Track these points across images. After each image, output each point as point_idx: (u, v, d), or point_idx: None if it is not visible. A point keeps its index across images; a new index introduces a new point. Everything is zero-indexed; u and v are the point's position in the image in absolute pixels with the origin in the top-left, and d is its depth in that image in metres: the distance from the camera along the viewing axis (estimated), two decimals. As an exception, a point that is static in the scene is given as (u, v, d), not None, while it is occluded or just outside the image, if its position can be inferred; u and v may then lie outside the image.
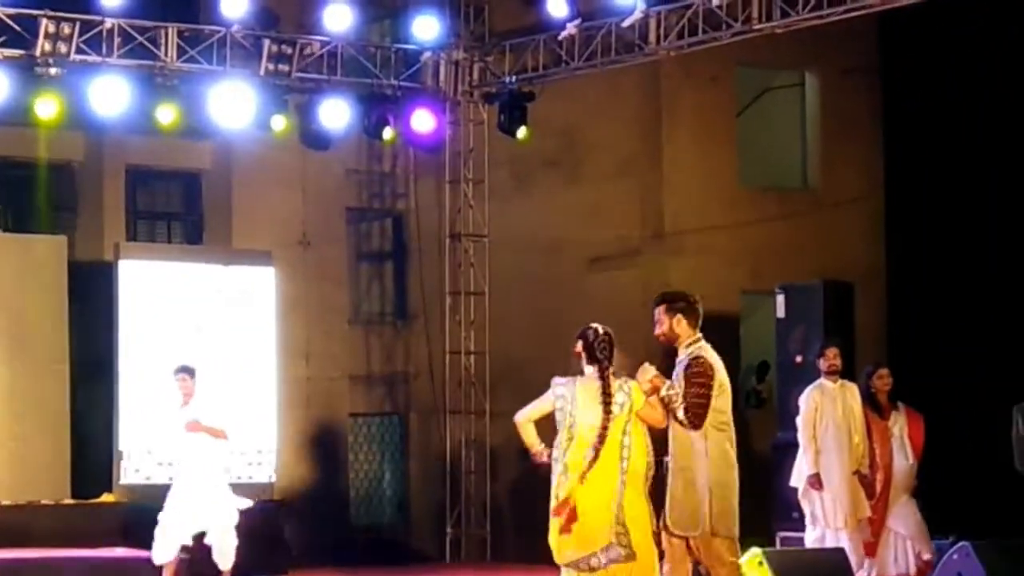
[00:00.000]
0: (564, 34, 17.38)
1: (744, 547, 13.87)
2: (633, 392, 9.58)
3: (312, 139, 18.04)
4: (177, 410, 13.98)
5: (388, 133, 18.02)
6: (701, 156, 18.95)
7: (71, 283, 16.69)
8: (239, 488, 14.44)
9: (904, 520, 13.67)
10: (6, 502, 15.66)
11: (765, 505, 15.64)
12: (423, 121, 18.25)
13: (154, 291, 16.79)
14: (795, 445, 13.76)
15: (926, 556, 13.58)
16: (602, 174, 19.04)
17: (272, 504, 16.75)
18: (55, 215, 18.40)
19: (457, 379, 19.10)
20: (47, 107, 15.98)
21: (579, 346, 9.79)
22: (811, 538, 13.50)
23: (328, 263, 19.33)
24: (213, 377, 16.58)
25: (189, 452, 13.89)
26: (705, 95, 18.94)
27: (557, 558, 9.74)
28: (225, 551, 13.92)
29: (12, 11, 15.81)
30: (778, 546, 15.05)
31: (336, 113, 17.69)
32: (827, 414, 13.35)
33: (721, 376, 9.32)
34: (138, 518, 15.36)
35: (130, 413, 16.49)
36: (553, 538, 9.71)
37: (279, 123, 17.26)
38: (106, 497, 16.31)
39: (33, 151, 17.83)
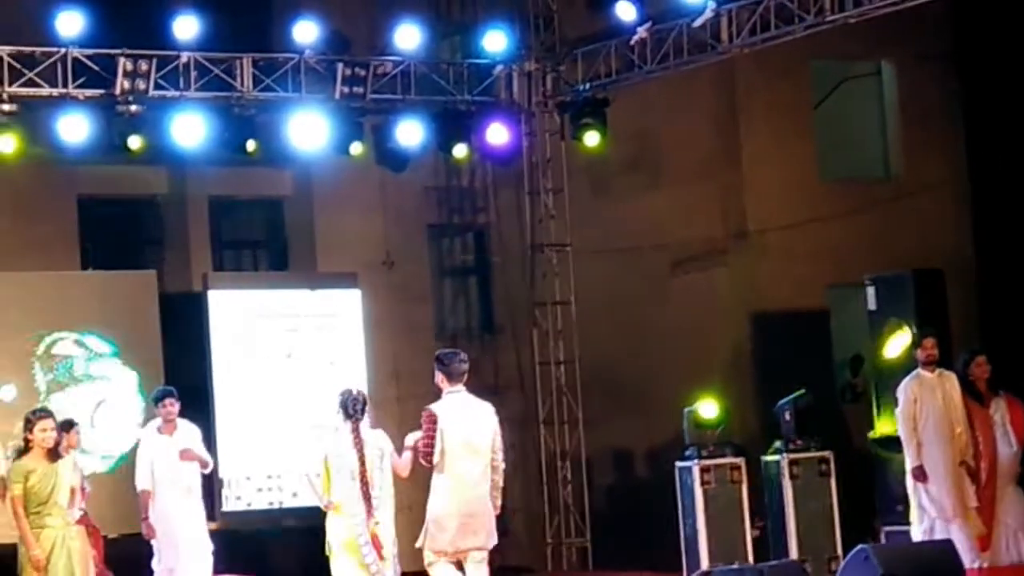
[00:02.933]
0: (635, 38, 17.33)
1: (849, 545, 13.85)
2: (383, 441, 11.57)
3: (389, 159, 18.09)
4: (155, 435, 13.92)
5: (461, 151, 18.04)
6: (780, 152, 18.87)
7: (162, 316, 16.83)
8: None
9: (1012, 510, 13.53)
10: (113, 535, 15.79)
11: (867, 501, 15.57)
12: (498, 134, 18.28)
13: (243, 319, 16.90)
14: (896, 439, 13.66)
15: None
16: (681, 176, 18.99)
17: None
18: (142, 249, 18.59)
19: (548, 389, 19.08)
20: (129, 144, 16.12)
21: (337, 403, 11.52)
22: (918, 532, 13.37)
23: (412, 281, 19.38)
24: (306, 402, 16.79)
25: (173, 479, 13.85)
26: (781, 90, 18.87)
27: None
28: None
29: (90, 51, 15.99)
30: (883, 541, 14.95)
31: (412, 132, 17.75)
32: (927, 405, 13.24)
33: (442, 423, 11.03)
34: (241, 545, 15.49)
35: (227, 441, 16.62)
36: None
37: (357, 147, 17.34)
38: (209, 525, 16.40)
39: (117, 188, 18.02)
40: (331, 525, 11.49)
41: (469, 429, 11.12)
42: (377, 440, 11.47)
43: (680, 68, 17.33)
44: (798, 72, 18.96)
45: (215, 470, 16.30)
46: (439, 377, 11.24)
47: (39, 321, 16.23)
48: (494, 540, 11.30)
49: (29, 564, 11.60)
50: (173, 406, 13.94)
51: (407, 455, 11.29)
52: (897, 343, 15.39)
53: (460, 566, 11.17)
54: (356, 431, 11.38)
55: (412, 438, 11.20)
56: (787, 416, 15.32)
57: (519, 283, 19.55)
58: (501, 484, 11.34)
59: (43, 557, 11.56)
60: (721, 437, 15.69)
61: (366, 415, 11.44)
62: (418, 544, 11.15)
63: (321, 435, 12.08)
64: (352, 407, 11.45)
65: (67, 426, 13.16)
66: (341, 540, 11.41)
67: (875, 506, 15.52)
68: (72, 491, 11.94)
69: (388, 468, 11.51)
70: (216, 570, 14.50)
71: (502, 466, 11.35)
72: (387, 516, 11.49)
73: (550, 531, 18.93)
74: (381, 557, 11.39)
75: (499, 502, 11.32)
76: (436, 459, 10.96)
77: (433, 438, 10.97)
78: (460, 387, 11.24)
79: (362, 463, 11.33)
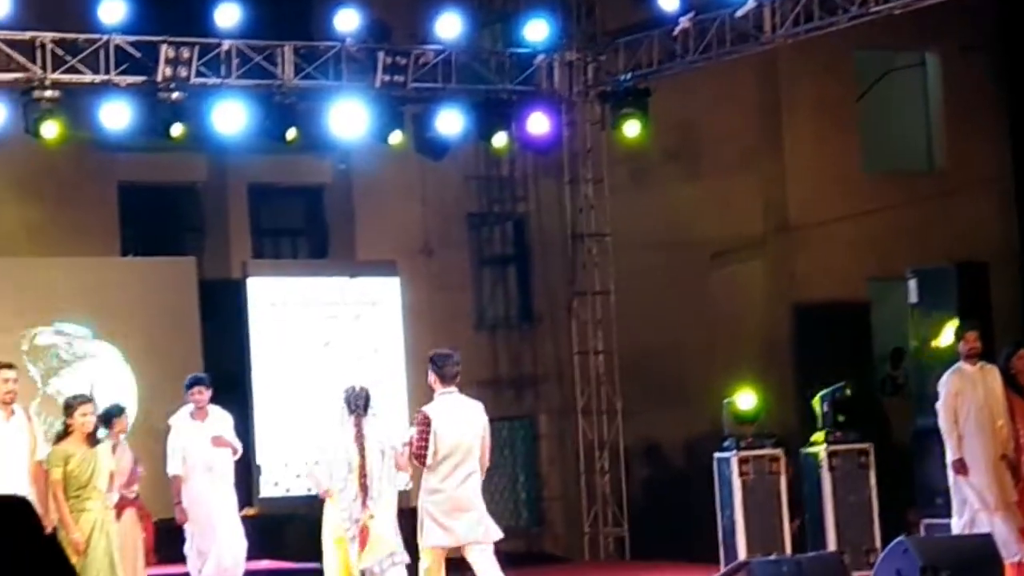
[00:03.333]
0: (678, 28, 17.26)
1: (887, 537, 13.78)
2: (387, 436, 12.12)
3: (430, 148, 18.06)
4: (187, 421, 13.97)
5: (501, 140, 18.00)
6: (822, 144, 18.79)
7: (201, 302, 16.87)
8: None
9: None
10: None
11: (906, 494, 15.50)
12: (539, 124, 18.24)
13: (282, 306, 16.93)
14: (935, 431, 13.59)
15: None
16: (722, 167, 18.93)
17: (412, 512, 16.77)
18: (182, 236, 18.64)
19: (586, 379, 19.06)
20: (170, 131, 16.16)
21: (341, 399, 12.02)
22: (958, 524, 13.30)
23: (451, 270, 19.39)
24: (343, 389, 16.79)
25: (205, 465, 13.89)
26: (824, 81, 18.78)
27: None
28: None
29: (133, 39, 16.02)
30: (922, 533, 14.88)
31: (452, 121, 17.73)
32: (968, 398, 13.15)
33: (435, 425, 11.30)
34: (279, 530, 15.52)
35: (265, 427, 16.66)
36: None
37: (396, 135, 17.33)
38: (246, 511, 16.45)
39: (158, 175, 18.08)
40: (327, 515, 12.08)
41: (461, 430, 11.34)
42: (380, 435, 11.96)
43: (722, 59, 17.26)
44: (842, 63, 18.87)
45: (252, 457, 16.38)
46: (432, 378, 11.48)
47: (80, 307, 16.27)
48: (497, 534, 11.50)
49: (68, 547, 11.65)
50: (203, 393, 13.98)
51: (407, 451, 11.67)
52: (950, 333, 15.32)
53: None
54: (358, 425, 11.86)
55: (407, 436, 11.62)
56: (826, 408, 15.26)
57: (558, 273, 19.53)
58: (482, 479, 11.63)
59: (82, 540, 11.62)
60: (760, 428, 15.65)
61: (369, 410, 11.94)
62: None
63: (328, 426, 12.50)
64: (355, 402, 11.93)
65: (117, 412, 13.23)
66: (333, 534, 11.96)
67: (914, 498, 15.43)
68: (111, 475, 12.00)
69: (390, 464, 11.96)
70: (253, 556, 14.54)
71: (487, 464, 11.60)
72: (386, 510, 11.93)
73: (587, 521, 18.91)
74: (362, 549, 11.83)
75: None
76: (429, 461, 11.21)
77: (427, 440, 11.23)
78: (453, 388, 11.47)
79: (362, 456, 11.81)
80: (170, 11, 16.60)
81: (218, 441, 13.88)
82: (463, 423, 11.36)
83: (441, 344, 18.92)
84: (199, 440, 13.91)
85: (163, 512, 14.00)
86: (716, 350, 18.52)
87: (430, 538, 11.29)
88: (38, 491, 11.76)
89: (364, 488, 11.76)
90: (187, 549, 14.06)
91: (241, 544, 14.03)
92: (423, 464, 11.26)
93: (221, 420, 14.10)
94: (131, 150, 17.22)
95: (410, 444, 11.41)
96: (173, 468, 13.97)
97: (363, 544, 11.91)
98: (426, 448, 11.22)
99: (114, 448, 12.96)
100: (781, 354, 18.68)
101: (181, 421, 14.08)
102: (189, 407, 14.09)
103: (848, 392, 15.33)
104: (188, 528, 13.99)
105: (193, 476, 13.92)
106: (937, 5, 15.66)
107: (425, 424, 11.24)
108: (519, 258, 20.31)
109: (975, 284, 15.83)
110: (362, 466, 11.75)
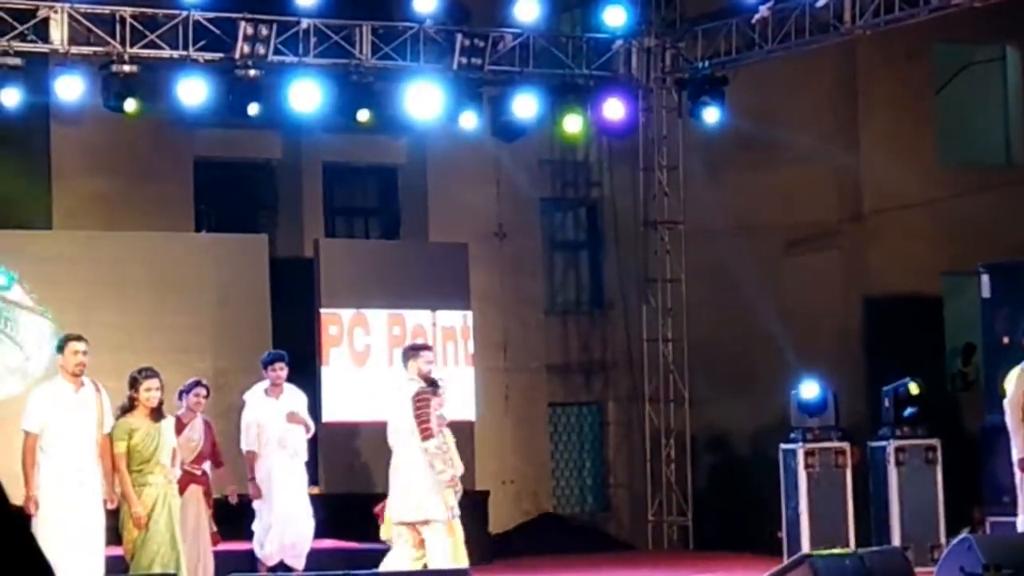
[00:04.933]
0: (757, 17, 17.18)
1: (953, 533, 13.67)
2: None
3: (504, 131, 18.06)
4: (262, 398, 14.00)
5: (576, 125, 17.96)
6: (898, 135, 18.63)
7: (272, 280, 16.95)
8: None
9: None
10: (216, 495, 15.93)
11: (975, 490, 15.37)
12: (615, 109, 18.19)
13: (353, 286, 16.97)
14: (1003, 429, 13.46)
15: None
16: (798, 157, 18.80)
17: (478, 495, 16.82)
18: (255, 214, 18.75)
19: (655, 367, 19.03)
20: (247, 108, 16.24)
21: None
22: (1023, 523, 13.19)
23: (523, 254, 19.40)
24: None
25: (279, 441, 13.94)
26: (902, 73, 18.62)
27: None
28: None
29: (212, 15, 16.12)
30: (987, 531, 14.77)
31: (528, 104, 17.71)
32: (1036, 396, 13.01)
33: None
34: (345, 509, 15.58)
35: (334, 407, 16.69)
36: None
37: (469, 117, 17.34)
38: (312, 490, 16.52)
39: (233, 151, 18.20)
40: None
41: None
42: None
43: (801, 48, 17.17)
44: (921, 55, 18.70)
45: (322, 436, 16.44)
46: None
47: (154, 282, 16.38)
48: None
49: (131, 521, 11.76)
50: (283, 370, 14.02)
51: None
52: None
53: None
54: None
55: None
56: (894, 402, 15.17)
57: (630, 259, 19.50)
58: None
59: (144, 515, 11.70)
60: (827, 421, 15.56)
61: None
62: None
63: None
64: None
65: (197, 384, 13.33)
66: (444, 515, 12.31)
67: (982, 496, 15.31)
68: (174, 451, 12.08)
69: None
70: (320, 535, 14.61)
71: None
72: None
73: (652, 508, 18.90)
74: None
75: None
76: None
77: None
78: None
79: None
80: (249, -12, 16.69)
81: (293, 418, 13.93)
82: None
83: (512, 328, 19.12)
84: (273, 416, 13.97)
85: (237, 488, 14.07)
86: (786, 341, 18.41)
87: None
88: (104, 464, 11.86)
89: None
90: (255, 526, 14.13)
91: (308, 523, 14.08)
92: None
93: (295, 397, 14.15)
94: (207, 126, 17.35)
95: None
96: (247, 444, 14.02)
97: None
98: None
99: (186, 423, 13.05)
100: (851, 346, 18.56)
101: (255, 397, 14.14)
102: (263, 383, 14.13)
103: (914, 389, 15.21)
104: (257, 505, 14.06)
105: (265, 452, 13.98)
106: (1018, -1, 15.53)
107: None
108: (591, 244, 20.30)
109: (1048, 279, 15.67)
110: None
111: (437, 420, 12.18)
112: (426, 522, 12.08)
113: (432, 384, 12.27)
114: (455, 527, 12.21)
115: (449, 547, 12.05)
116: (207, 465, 13.33)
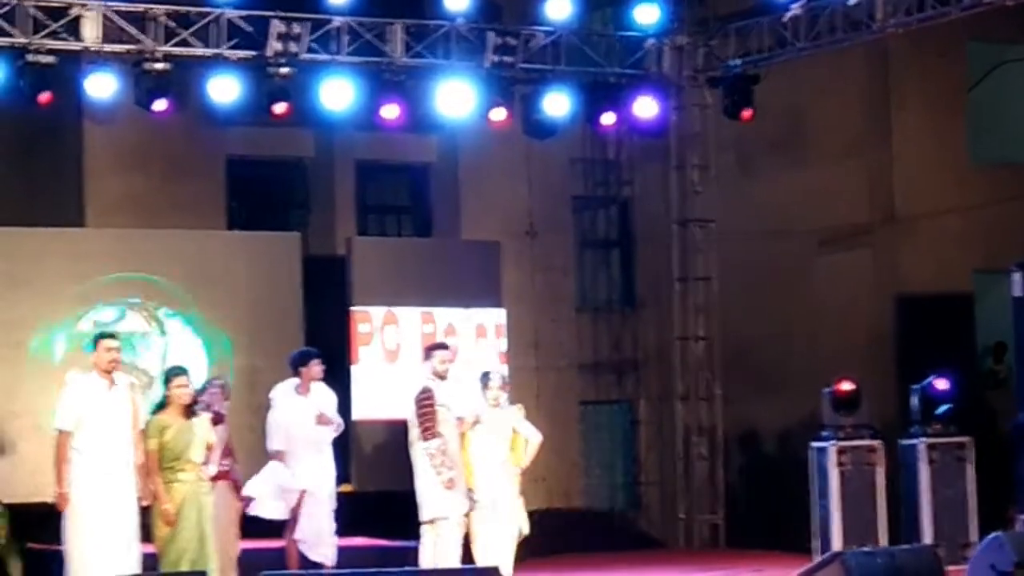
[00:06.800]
0: (789, 15, 17.17)
1: (985, 531, 13.63)
2: None
3: (536, 129, 18.06)
4: (291, 396, 13.96)
5: (608, 123, 18.00)
6: (931, 134, 18.59)
7: (304, 278, 16.98)
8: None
9: None
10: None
11: (1008, 489, 15.33)
12: (646, 108, 18.19)
13: (385, 284, 16.99)
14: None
15: None
16: (830, 155, 18.79)
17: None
18: (287, 212, 18.80)
19: (686, 365, 19.03)
20: (278, 106, 16.28)
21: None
22: (1056, 522, 13.16)
23: (554, 252, 19.42)
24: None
25: (308, 439, 13.93)
26: (935, 72, 18.57)
27: None
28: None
29: (244, 13, 16.17)
30: (1018, 529, 14.72)
31: (559, 102, 17.72)
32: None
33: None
34: (376, 507, 15.62)
35: (364, 404, 16.71)
36: None
37: (502, 115, 17.35)
38: (344, 487, 16.56)
39: (265, 149, 18.25)
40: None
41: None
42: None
43: (833, 46, 17.14)
44: (953, 53, 18.64)
45: (351, 434, 16.48)
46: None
47: (181, 279, 16.40)
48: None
49: (160, 518, 11.80)
50: (322, 366, 14.01)
51: None
52: None
53: None
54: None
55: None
56: (925, 401, 15.15)
57: (662, 258, 19.49)
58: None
59: (173, 511, 11.74)
60: (859, 419, 15.55)
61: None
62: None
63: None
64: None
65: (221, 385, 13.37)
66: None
67: (1015, 494, 15.27)
68: (208, 447, 12.12)
69: None
70: (348, 532, 14.63)
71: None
72: None
73: (683, 506, 18.89)
74: None
75: None
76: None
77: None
78: None
79: None
80: (282, -13, 16.74)
81: (322, 419, 13.92)
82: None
83: (543, 326, 19.14)
84: (303, 414, 13.97)
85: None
86: (818, 339, 18.40)
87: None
88: (138, 461, 11.91)
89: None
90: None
91: (330, 521, 14.03)
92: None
93: (325, 396, 14.14)
94: (240, 124, 17.40)
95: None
96: (276, 443, 13.96)
97: None
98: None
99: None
100: (883, 345, 18.51)
101: (284, 396, 14.10)
102: (293, 381, 14.09)
103: (940, 385, 15.19)
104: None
105: (294, 449, 13.97)
106: (1052, -4, 15.46)
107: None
108: (623, 242, 20.31)
109: (1082, 279, 15.58)
110: None
111: (458, 421, 12.31)
112: (432, 521, 12.14)
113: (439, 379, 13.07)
114: (488, 522, 12.23)
115: (489, 541, 12.13)
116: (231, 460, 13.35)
